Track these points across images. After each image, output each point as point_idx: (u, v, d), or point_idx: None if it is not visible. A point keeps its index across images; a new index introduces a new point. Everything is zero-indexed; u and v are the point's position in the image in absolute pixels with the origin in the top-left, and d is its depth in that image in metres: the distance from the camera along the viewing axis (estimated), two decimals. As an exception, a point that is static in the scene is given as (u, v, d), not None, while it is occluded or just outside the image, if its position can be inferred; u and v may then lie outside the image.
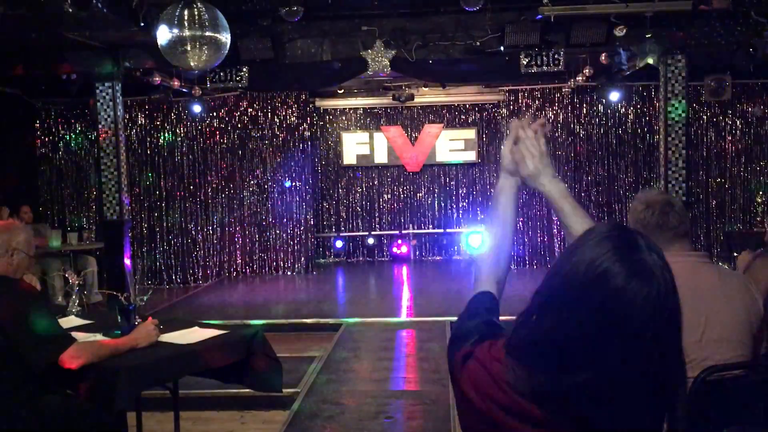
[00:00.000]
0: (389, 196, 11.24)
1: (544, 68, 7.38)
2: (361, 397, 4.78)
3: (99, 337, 3.07)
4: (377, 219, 11.26)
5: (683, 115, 7.56)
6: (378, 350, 6.06)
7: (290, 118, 10.36)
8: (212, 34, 4.36)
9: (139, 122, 10.09)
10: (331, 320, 7.13)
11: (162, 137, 10.14)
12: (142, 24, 6.10)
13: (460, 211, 11.18)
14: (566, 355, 1.04)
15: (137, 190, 9.96)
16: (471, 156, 10.99)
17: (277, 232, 10.38)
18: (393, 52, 7.49)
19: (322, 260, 11.21)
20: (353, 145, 11.16)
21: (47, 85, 9.04)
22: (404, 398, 4.81)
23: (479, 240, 10.29)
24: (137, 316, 3.20)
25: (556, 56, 7.34)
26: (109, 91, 7.85)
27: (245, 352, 3.22)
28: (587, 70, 8.12)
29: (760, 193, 9.96)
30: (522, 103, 10.32)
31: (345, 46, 7.69)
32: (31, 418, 2.72)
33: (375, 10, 7.37)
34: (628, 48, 7.31)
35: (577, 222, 1.44)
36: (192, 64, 4.47)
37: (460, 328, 1.30)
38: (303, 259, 10.38)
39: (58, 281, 7.48)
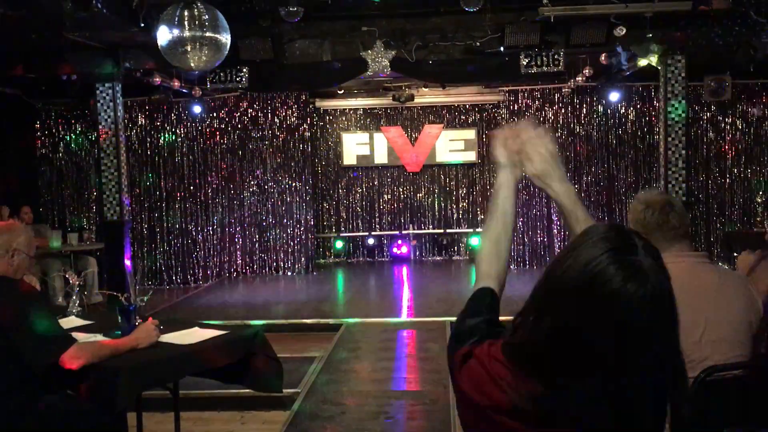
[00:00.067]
0: (389, 196, 11.25)
1: (544, 68, 7.38)
2: (361, 397, 4.78)
3: (99, 337, 3.07)
4: (377, 219, 11.26)
5: (683, 115, 7.57)
6: (378, 350, 6.06)
7: (290, 118, 10.37)
8: (212, 35, 4.37)
9: (140, 123, 10.09)
10: (331, 320, 7.13)
11: (162, 138, 10.15)
12: (143, 25, 6.11)
13: (460, 212, 11.19)
14: (564, 357, 1.04)
15: (137, 190, 9.96)
16: (471, 156, 11.00)
17: (278, 232, 10.38)
18: (393, 52, 7.49)
19: (322, 260, 11.22)
20: (353, 146, 11.16)
21: (47, 86, 9.05)
22: (404, 398, 4.81)
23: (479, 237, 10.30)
24: (137, 317, 3.20)
25: (556, 56, 7.34)
26: (110, 91, 7.85)
27: (245, 352, 3.22)
28: (587, 71, 8.13)
29: (760, 193, 9.96)
30: (522, 103, 10.33)
31: (345, 46, 7.70)
32: (31, 418, 2.72)
33: (375, 11, 7.37)
34: (628, 48, 7.31)
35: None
36: (192, 64, 4.47)
37: (460, 328, 1.30)
38: (303, 259, 10.38)
39: (58, 282, 7.48)
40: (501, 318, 1.34)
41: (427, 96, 10.84)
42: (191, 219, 10.19)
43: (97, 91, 7.86)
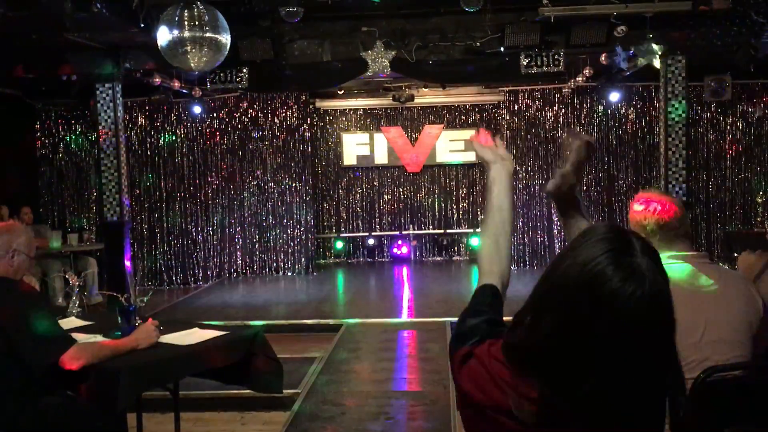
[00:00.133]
0: (389, 196, 11.25)
1: (544, 69, 7.38)
2: (361, 397, 4.78)
3: (99, 338, 3.07)
4: (377, 220, 11.26)
5: (683, 115, 7.57)
6: (378, 351, 6.06)
7: (290, 119, 10.37)
8: (212, 35, 4.37)
9: (140, 123, 10.10)
10: (331, 321, 7.13)
11: (162, 138, 10.14)
12: (143, 25, 6.11)
13: (460, 212, 11.19)
14: (563, 357, 1.04)
15: (137, 191, 9.97)
16: (471, 156, 10.98)
17: (278, 232, 10.38)
18: (393, 52, 7.49)
19: (322, 261, 11.22)
20: (353, 146, 11.17)
21: (47, 86, 9.04)
22: (405, 399, 4.81)
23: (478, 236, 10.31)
24: (137, 317, 3.21)
25: (556, 57, 7.34)
26: (110, 92, 7.85)
27: (245, 353, 3.22)
28: (587, 71, 8.13)
29: (760, 193, 9.96)
30: (522, 103, 10.33)
31: (345, 47, 7.70)
32: (31, 419, 2.72)
33: (375, 11, 7.37)
34: (628, 48, 7.31)
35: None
36: (192, 65, 4.47)
37: (461, 328, 1.30)
38: (303, 259, 10.38)
39: (58, 282, 7.48)
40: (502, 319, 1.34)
41: (427, 96, 10.84)
42: (191, 219, 10.19)
43: (97, 92, 7.86)
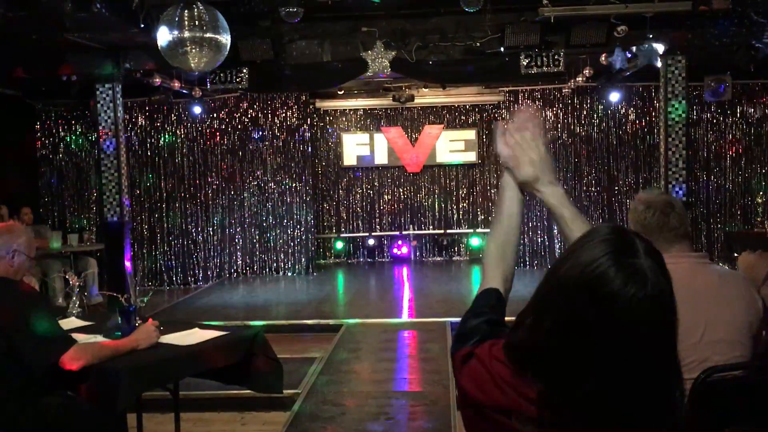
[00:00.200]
0: (389, 197, 11.25)
1: (544, 69, 7.38)
2: (361, 398, 4.78)
3: (99, 338, 3.07)
4: (377, 220, 11.26)
5: (683, 115, 7.57)
6: (378, 351, 6.06)
7: (290, 119, 10.37)
8: (212, 36, 4.36)
9: (140, 123, 10.10)
10: (331, 321, 7.13)
11: (162, 138, 10.15)
12: (143, 25, 6.11)
13: (461, 212, 11.19)
14: (564, 358, 1.04)
15: (138, 191, 9.97)
16: (471, 157, 11.00)
17: (278, 233, 10.38)
18: (393, 53, 7.49)
19: (322, 261, 11.22)
20: (353, 146, 11.17)
21: (47, 87, 9.05)
22: (405, 399, 4.81)
23: (486, 239, 10.31)
24: (138, 318, 3.21)
25: (556, 57, 7.34)
26: (110, 92, 7.85)
27: (246, 353, 3.22)
28: (587, 71, 8.12)
29: (760, 193, 9.96)
30: (522, 103, 10.32)
31: (345, 47, 7.70)
32: (32, 419, 2.72)
33: (375, 11, 7.37)
34: (628, 48, 7.31)
35: (578, 230, 1.36)
36: (192, 65, 4.47)
37: (463, 329, 1.30)
38: (303, 260, 10.38)
39: (58, 283, 7.48)
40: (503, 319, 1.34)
41: (427, 96, 10.84)
42: (191, 220, 10.20)
43: (98, 92, 7.86)
